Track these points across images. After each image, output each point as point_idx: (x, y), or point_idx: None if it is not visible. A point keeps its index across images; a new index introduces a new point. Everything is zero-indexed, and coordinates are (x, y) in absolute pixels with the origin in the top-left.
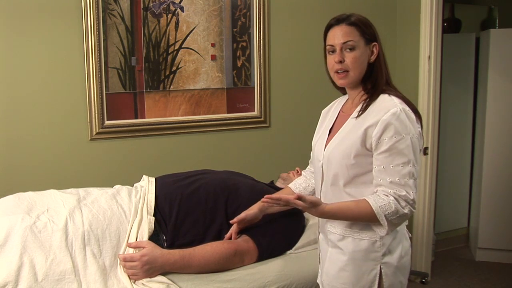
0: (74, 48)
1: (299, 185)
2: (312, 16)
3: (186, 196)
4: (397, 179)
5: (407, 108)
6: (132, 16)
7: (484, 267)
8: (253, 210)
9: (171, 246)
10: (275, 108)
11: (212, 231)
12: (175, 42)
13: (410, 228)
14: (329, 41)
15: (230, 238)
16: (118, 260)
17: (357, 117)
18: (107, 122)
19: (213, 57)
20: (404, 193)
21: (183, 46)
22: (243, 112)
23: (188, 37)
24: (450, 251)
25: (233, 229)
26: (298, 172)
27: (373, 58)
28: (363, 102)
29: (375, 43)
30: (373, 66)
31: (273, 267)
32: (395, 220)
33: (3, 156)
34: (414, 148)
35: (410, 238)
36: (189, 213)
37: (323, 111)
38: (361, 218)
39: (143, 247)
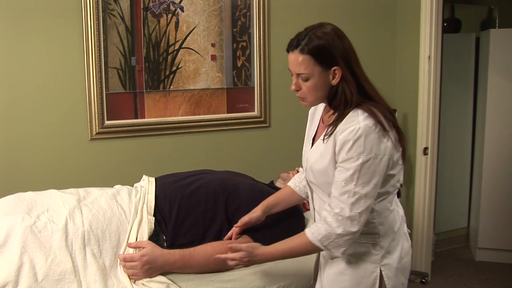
0: (74, 48)
1: (299, 182)
2: (312, 16)
3: (186, 196)
4: (337, 194)
5: (370, 124)
6: (132, 16)
7: (484, 267)
8: (256, 213)
9: (171, 246)
10: (275, 108)
11: (212, 231)
12: (175, 42)
13: (410, 228)
14: (288, 64)
15: (230, 239)
16: (118, 260)
17: (323, 139)
18: (107, 122)
19: (213, 57)
20: (338, 210)
21: (183, 46)
22: (243, 112)
23: (188, 37)
24: (450, 251)
25: (234, 231)
26: (298, 172)
27: (334, 81)
28: (328, 125)
29: (336, 67)
30: (337, 86)
31: (273, 267)
32: (332, 243)
33: (3, 156)
34: (366, 168)
35: (410, 234)
36: (189, 213)
37: (310, 111)
38: (305, 250)
39: (143, 247)
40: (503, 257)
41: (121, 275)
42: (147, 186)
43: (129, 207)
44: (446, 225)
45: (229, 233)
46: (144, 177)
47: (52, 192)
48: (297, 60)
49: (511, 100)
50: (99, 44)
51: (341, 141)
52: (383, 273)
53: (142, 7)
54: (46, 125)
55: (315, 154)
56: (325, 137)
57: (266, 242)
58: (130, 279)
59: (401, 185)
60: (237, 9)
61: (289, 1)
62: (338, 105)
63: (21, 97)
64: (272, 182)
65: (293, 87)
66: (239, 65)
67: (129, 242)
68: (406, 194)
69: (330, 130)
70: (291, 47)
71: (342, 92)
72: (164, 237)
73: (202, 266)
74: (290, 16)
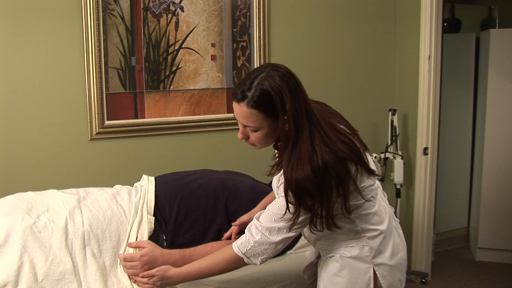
0: (74, 48)
1: None
2: (312, 16)
3: (186, 196)
4: (269, 212)
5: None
6: (132, 16)
7: (484, 267)
8: (255, 213)
9: (171, 245)
10: None
11: (212, 231)
12: (175, 42)
13: (410, 228)
14: (234, 112)
15: (229, 238)
16: (118, 260)
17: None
18: (107, 122)
19: (213, 57)
20: (262, 221)
21: (183, 46)
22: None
23: (188, 37)
24: (450, 251)
25: (233, 230)
26: None
27: (286, 128)
28: (277, 163)
29: (286, 117)
30: (287, 132)
31: (273, 267)
32: (250, 251)
33: (3, 156)
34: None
35: (399, 223)
36: (189, 213)
37: None
38: (225, 263)
39: (143, 247)
40: (503, 257)
41: (121, 275)
42: (147, 185)
43: (129, 207)
44: (446, 225)
45: (228, 232)
46: (144, 176)
47: (52, 192)
48: (244, 113)
49: (511, 100)
50: (99, 44)
51: (280, 182)
52: (376, 272)
53: (142, 7)
54: (46, 125)
55: (275, 184)
56: (276, 173)
57: None
58: (130, 279)
59: (401, 185)
60: (237, 9)
61: (289, 1)
62: (282, 148)
63: (21, 97)
64: (272, 182)
65: (240, 135)
66: (239, 65)
67: (129, 242)
68: (406, 194)
69: (276, 168)
70: (235, 97)
71: (285, 141)
72: (164, 237)
73: None
74: (290, 16)
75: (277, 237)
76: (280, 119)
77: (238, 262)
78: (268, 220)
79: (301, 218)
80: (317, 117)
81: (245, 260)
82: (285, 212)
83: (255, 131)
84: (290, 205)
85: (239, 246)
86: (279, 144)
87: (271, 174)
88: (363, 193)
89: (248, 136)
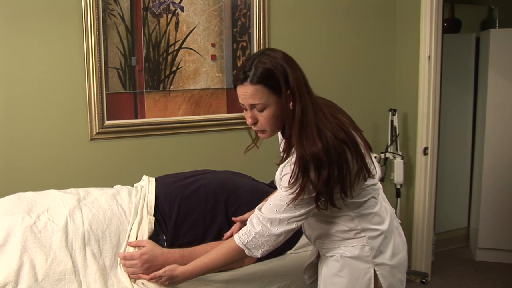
0: (74, 48)
1: None
2: (312, 16)
3: (186, 196)
4: (272, 203)
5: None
6: (132, 16)
7: (484, 267)
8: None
9: (171, 246)
10: None
11: (212, 231)
12: (175, 42)
13: (410, 228)
14: (239, 98)
15: (230, 237)
16: (118, 260)
17: (278, 164)
18: (107, 122)
19: (213, 57)
20: (264, 212)
21: (183, 46)
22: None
23: (188, 37)
24: (450, 251)
25: (234, 229)
26: None
27: (292, 105)
28: (283, 151)
29: (289, 91)
30: (293, 114)
31: (273, 267)
32: (251, 242)
33: (3, 156)
34: (300, 198)
35: (400, 225)
36: (189, 213)
37: None
38: (227, 255)
39: (143, 246)
40: (503, 257)
41: (121, 275)
42: (147, 186)
43: (129, 207)
44: (446, 225)
45: (229, 232)
46: (144, 177)
47: (52, 192)
48: (250, 91)
49: (511, 100)
50: (99, 44)
51: (283, 172)
52: (377, 272)
53: (142, 7)
54: (46, 125)
55: (278, 176)
56: (280, 163)
57: None
58: (130, 278)
59: (401, 185)
60: (237, 9)
61: (289, 1)
62: (288, 130)
63: (21, 97)
64: (272, 182)
65: (249, 120)
66: (239, 65)
67: (129, 241)
68: (406, 194)
69: (284, 158)
70: (238, 80)
71: (291, 124)
72: (164, 237)
73: None
74: (290, 16)
75: (278, 229)
76: (284, 94)
77: (239, 254)
78: (270, 211)
79: (303, 210)
80: (317, 100)
81: (246, 252)
82: (287, 203)
83: (263, 109)
84: (296, 183)
85: (240, 237)
86: (285, 131)
87: (282, 161)
88: (364, 192)
89: (257, 120)
